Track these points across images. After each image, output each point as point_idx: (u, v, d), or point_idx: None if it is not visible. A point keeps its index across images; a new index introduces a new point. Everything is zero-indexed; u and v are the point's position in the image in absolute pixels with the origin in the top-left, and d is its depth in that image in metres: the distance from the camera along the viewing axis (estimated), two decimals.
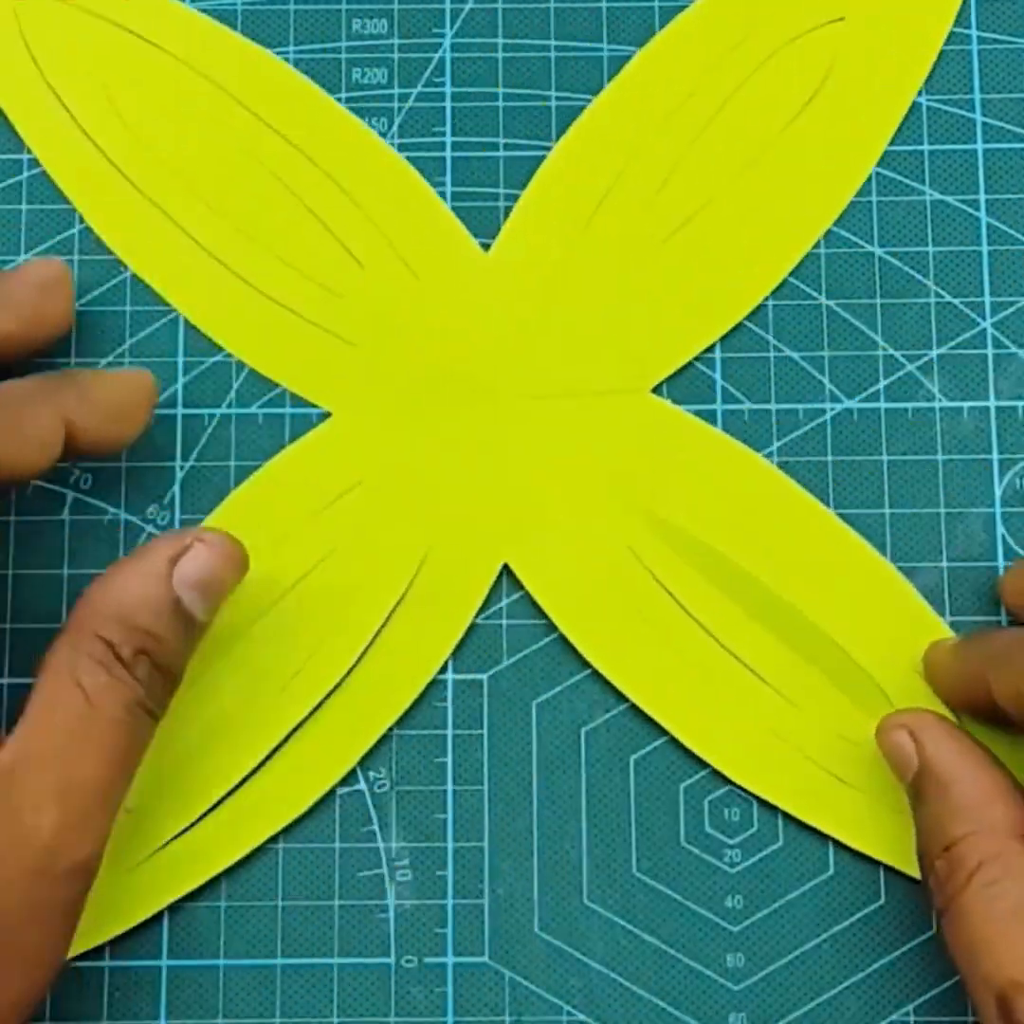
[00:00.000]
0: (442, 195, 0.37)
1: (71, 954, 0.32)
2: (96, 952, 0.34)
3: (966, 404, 0.36)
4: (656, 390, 0.36)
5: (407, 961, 0.34)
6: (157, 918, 0.34)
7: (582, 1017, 0.34)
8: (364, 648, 0.35)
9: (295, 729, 0.34)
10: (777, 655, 0.35)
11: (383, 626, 0.35)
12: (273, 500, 0.35)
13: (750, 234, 0.37)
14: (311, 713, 0.34)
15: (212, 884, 0.34)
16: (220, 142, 0.37)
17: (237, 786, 0.34)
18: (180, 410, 0.36)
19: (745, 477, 0.36)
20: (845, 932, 0.34)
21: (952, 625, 0.35)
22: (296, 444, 0.36)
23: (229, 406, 0.36)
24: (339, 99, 0.38)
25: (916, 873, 0.33)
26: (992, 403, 0.36)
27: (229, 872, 0.34)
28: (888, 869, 0.34)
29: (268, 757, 0.34)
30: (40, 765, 0.29)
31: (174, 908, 0.34)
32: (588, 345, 0.36)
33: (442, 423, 0.36)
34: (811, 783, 0.34)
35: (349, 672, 0.35)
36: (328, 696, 0.35)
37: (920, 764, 0.32)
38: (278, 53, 0.38)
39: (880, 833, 0.34)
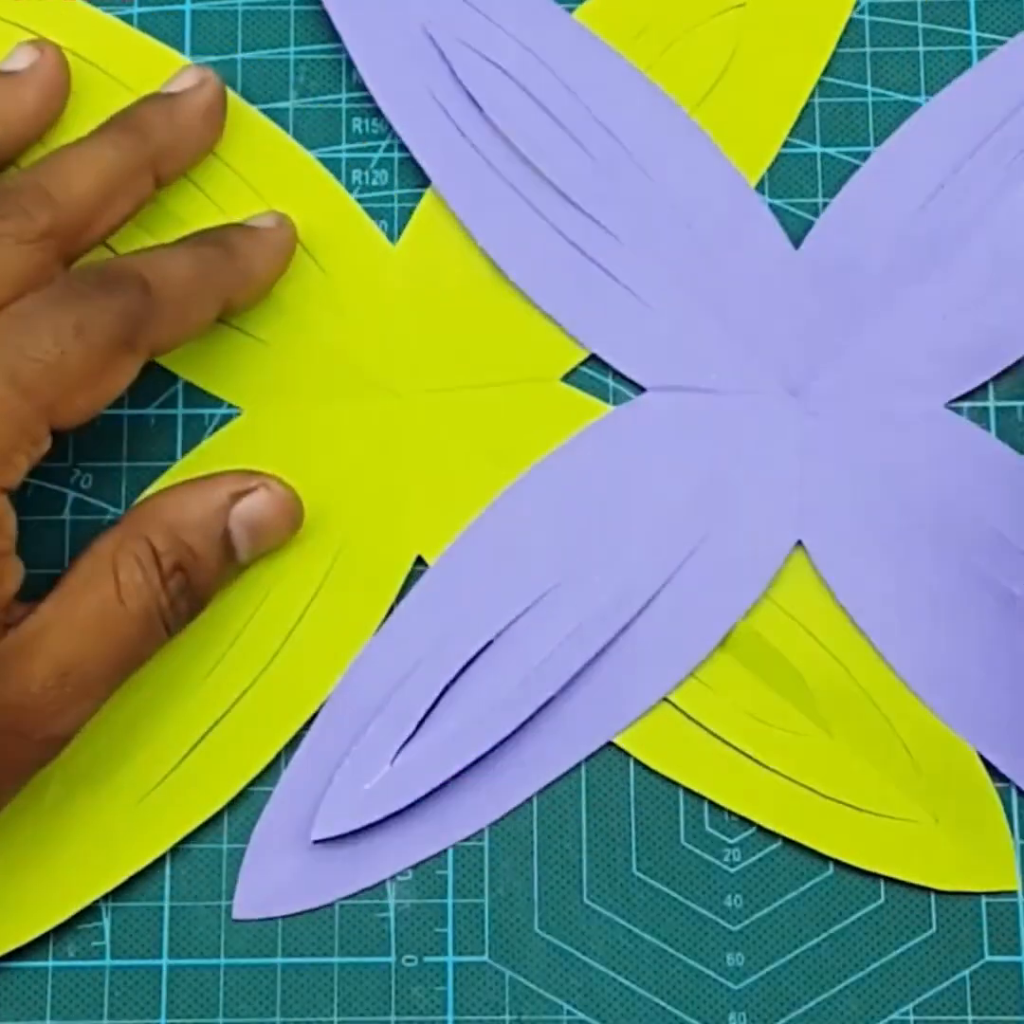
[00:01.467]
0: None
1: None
2: (96, 952, 0.34)
3: (965, 405, 0.36)
4: (566, 378, 0.36)
5: (407, 960, 0.34)
6: (158, 916, 0.34)
7: (582, 1016, 0.34)
8: (280, 643, 0.35)
9: (213, 725, 0.34)
10: (732, 671, 0.35)
11: (299, 620, 0.35)
12: None
13: None
14: (228, 709, 0.34)
15: (213, 883, 0.34)
16: None
17: (157, 785, 0.34)
18: (181, 410, 0.36)
19: None
20: (845, 932, 0.34)
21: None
22: (208, 442, 0.36)
23: (225, 406, 0.36)
24: (339, 99, 0.38)
25: (916, 878, 0.34)
26: (992, 403, 0.36)
27: (229, 872, 0.34)
28: None
29: (188, 752, 0.34)
30: (59, 640, 0.30)
31: (174, 908, 0.34)
32: (497, 334, 0.36)
33: (351, 418, 0.36)
34: (800, 803, 0.34)
35: (264, 668, 0.35)
36: (245, 692, 0.35)
37: None
38: (278, 53, 0.38)
39: (879, 848, 0.34)
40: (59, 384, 0.30)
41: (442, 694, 0.34)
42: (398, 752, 0.34)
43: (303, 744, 0.34)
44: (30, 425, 0.30)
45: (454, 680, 0.34)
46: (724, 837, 0.35)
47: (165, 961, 0.34)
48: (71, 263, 0.33)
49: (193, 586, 0.32)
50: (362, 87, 0.37)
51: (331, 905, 0.34)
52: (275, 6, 0.38)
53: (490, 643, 0.34)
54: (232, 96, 0.37)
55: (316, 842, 0.34)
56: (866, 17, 0.38)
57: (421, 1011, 0.34)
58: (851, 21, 0.38)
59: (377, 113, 0.37)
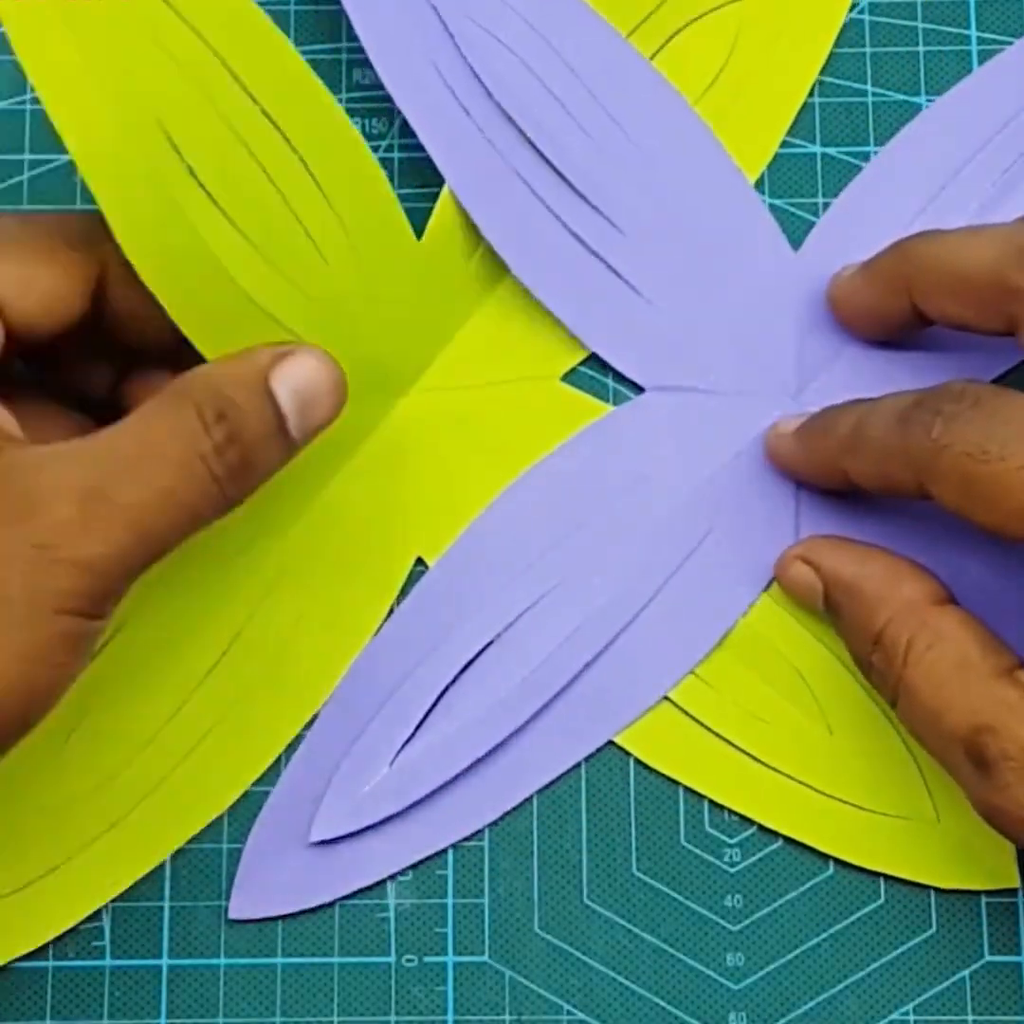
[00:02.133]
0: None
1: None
2: (96, 952, 0.34)
3: None
4: (566, 378, 0.36)
5: (407, 960, 0.34)
6: (158, 916, 0.34)
7: (582, 1016, 0.34)
8: (281, 643, 0.35)
9: (213, 727, 0.35)
10: (733, 671, 0.35)
11: (298, 620, 0.35)
12: None
13: None
14: (228, 710, 0.35)
15: (213, 883, 0.34)
16: (206, 110, 0.33)
17: (157, 786, 0.34)
18: None
19: None
20: (845, 932, 0.34)
21: None
22: None
23: None
24: (339, 99, 0.38)
25: (916, 876, 0.34)
26: None
27: (229, 872, 0.34)
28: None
29: (189, 753, 0.34)
30: (77, 463, 0.28)
31: (174, 908, 0.34)
32: (498, 334, 0.36)
33: (351, 417, 0.34)
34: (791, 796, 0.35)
35: (265, 669, 0.35)
36: (246, 693, 0.35)
37: (824, 582, 0.33)
38: None
39: (879, 846, 0.34)
40: None
41: (441, 695, 0.34)
42: (397, 754, 0.34)
43: (302, 745, 0.34)
44: None
45: (453, 681, 0.34)
46: (724, 837, 0.35)
47: (165, 961, 0.34)
48: None
49: (240, 440, 0.29)
50: (362, 87, 0.37)
51: (331, 905, 0.34)
52: (275, 6, 0.38)
53: (490, 644, 0.34)
54: (303, 68, 0.34)
55: (314, 843, 0.34)
56: (866, 17, 0.38)
57: (421, 1011, 0.34)
58: (851, 21, 0.38)
59: (377, 113, 0.37)
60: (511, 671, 0.34)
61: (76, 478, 0.27)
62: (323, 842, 0.34)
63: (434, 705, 0.34)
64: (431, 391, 0.36)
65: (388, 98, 0.37)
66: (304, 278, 0.34)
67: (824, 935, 0.34)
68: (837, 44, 0.38)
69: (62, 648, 0.27)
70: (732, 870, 0.35)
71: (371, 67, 0.37)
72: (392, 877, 0.34)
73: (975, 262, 0.31)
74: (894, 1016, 0.34)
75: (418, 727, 0.34)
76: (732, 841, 0.35)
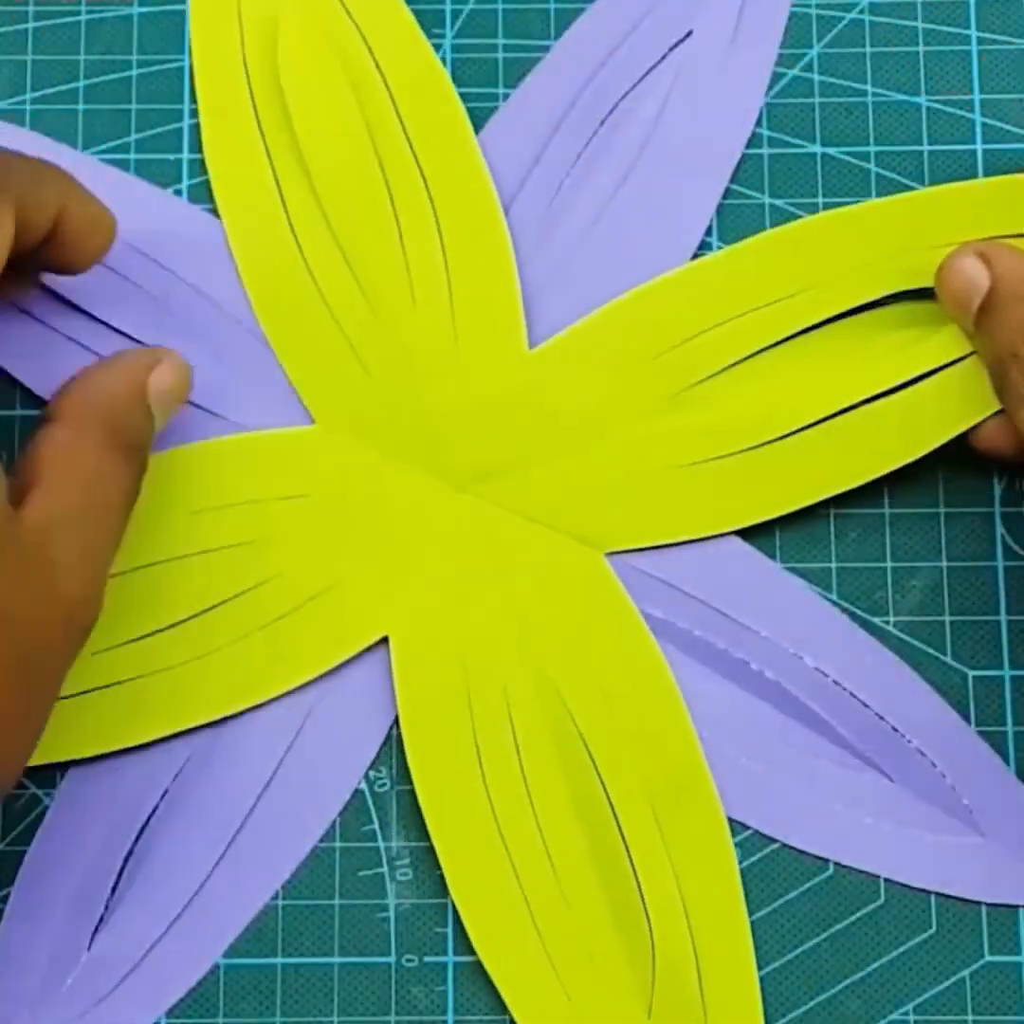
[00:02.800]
0: None
1: None
2: None
3: None
4: None
5: (407, 960, 0.34)
6: None
7: None
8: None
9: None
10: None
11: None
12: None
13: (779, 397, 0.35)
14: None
15: None
16: (353, 120, 0.36)
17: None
18: None
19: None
20: (845, 932, 0.34)
21: (951, 625, 0.35)
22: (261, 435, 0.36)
23: None
24: None
25: (914, 881, 0.34)
26: None
27: None
28: None
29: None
30: (66, 528, 0.31)
31: None
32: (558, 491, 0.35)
33: (403, 506, 0.35)
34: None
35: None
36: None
37: (992, 282, 0.34)
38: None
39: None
40: None
41: (123, 865, 0.34)
42: (91, 939, 0.33)
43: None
44: None
45: (130, 852, 0.34)
46: None
47: None
48: None
49: (143, 456, 0.33)
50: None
51: (330, 904, 0.34)
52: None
53: (156, 807, 0.34)
54: (461, 116, 0.37)
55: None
56: (866, 17, 0.38)
57: (421, 1011, 0.34)
58: (851, 21, 0.38)
59: None
60: (189, 822, 0.34)
61: (73, 544, 0.31)
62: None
63: (118, 878, 0.34)
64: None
65: None
66: (389, 312, 0.36)
67: (824, 935, 0.34)
68: (837, 44, 0.38)
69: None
70: None
71: None
72: (392, 877, 0.34)
73: None
74: (894, 1016, 0.34)
75: (108, 906, 0.34)
76: (732, 841, 0.35)
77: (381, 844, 0.35)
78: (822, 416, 0.35)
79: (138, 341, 0.35)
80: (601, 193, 0.37)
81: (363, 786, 0.35)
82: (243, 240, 0.36)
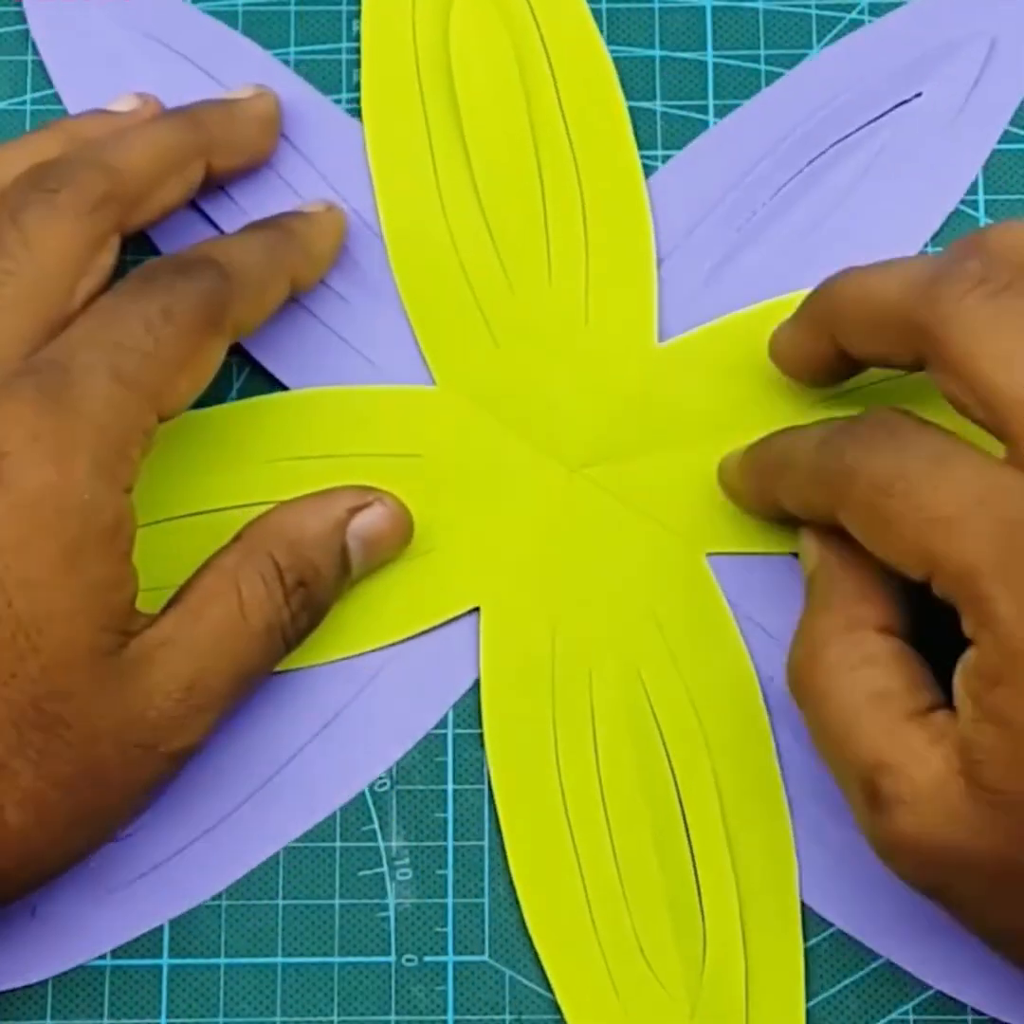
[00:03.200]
0: None
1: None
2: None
3: None
4: None
5: (407, 960, 0.34)
6: None
7: None
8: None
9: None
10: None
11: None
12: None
13: None
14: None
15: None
16: (516, 98, 0.37)
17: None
18: None
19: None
20: (845, 932, 0.34)
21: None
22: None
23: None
24: (339, 99, 0.38)
25: None
26: None
27: None
28: None
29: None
30: (184, 653, 0.30)
31: None
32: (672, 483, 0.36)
33: (518, 485, 0.35)
34: None
35: None
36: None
37: (814, 566, 0.31)
38: (278, 54, 0.38)
39: None
40: (160, 371, 0.30)
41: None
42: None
43: None
44: (140, 417, 0.30)
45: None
46: None
47: (165, 961, 0.34)
48: (126, 237, 0.33)
49: (314, 601, 0.32)
50: (361, 87, 0.38)
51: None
52: (276, 7, 0.38)
53: None
54: (622, 114, 0.37)
55: (36, 914, 0.33)
56: (866, 17, 0.38)
57: (421, 1011, 0.34)
58: (851, 21, 0.38)
59: None
60: (231, 741, 0.34)
61: (182, 672, 0.30)
62: (47, 912, 0.33)
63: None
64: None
65: None
66: (525, 288, 0.36)
67: (824, 935, 0.34)
68: (836, 43, 0.38)
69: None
70: None
71: None
72: (393, 876, 0.34)
73: (883, 299, 0.30)
74: (894, 1016, 0.34)
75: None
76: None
77: (381, 844, 0.35)
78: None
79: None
80: (793, 230, 0.37)
81: (363, 786, 0.35)
82: (390, 197, 0.37)
